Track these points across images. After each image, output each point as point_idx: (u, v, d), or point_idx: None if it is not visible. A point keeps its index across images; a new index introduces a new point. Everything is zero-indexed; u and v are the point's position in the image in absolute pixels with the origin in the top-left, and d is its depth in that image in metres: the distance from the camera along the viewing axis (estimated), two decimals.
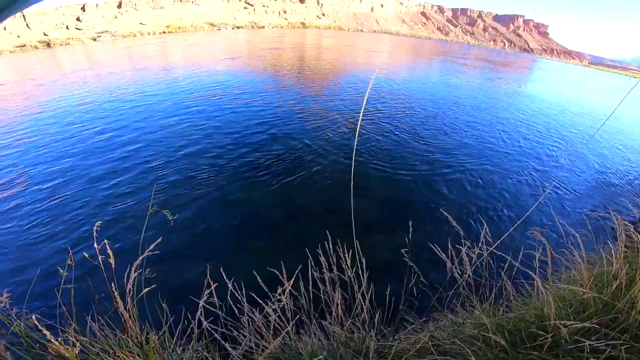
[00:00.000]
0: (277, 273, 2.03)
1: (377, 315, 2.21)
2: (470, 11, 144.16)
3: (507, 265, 2.25)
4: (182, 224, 5.42)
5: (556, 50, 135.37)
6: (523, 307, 2.14)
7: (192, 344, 1.91)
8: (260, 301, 1.96)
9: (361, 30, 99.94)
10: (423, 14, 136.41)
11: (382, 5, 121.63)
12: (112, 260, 1.78)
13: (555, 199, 7.42)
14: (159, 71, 18.41)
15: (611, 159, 11.18)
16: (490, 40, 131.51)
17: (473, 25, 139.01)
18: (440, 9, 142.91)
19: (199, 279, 2.00)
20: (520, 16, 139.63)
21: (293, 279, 2.00)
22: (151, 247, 1.81)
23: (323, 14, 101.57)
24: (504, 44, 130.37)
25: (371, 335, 2.06)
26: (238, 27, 69.00)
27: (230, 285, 1.97)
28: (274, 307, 1.92)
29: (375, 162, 7.96)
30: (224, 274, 1.96)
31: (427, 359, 1.78)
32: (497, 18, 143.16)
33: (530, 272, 2.09)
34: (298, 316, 2.18)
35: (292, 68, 21.60)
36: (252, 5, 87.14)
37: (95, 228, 1.89)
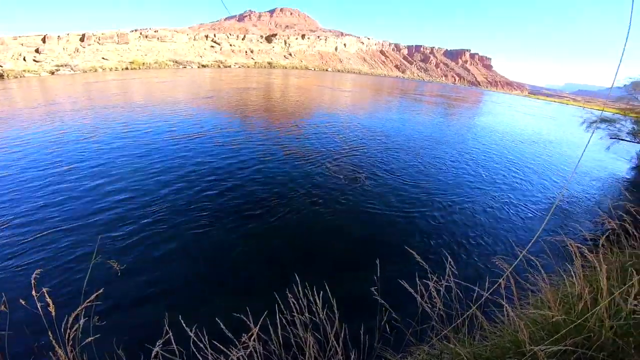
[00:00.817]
0: (244, 318, 1.94)
1: (352, 355, 2.15)
2: (423, 48, 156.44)
3: (475, 294, 2.27)
4: (140, 271, 5.06)
5: (499, 82, 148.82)
6: (497, 334, 2.16)
7: None
8: (224, 349, 1.87)
9: (326, 70, 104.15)
10: (382, 52, 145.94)
11: (345, 45, 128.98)
12: (52, 309, 1.70)
13: (513, 227, 7.74)
14: (119, 111, 17.82)
15: (558, 183, 12.03)
16: (442, 76, 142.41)
17: (426, 62, 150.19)
18: (397, 47, 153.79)
19: (157, 327, 1.91)
20: (467, 50, 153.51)
21: (260, 323, 1.92)
22: (92, 297, 1.74)
23: (290, 54, 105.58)
24: (455, 79, 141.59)
25: None
26: (204, 66, 69.16)
27: (192, 334, 1.85)
28: (239, 354, 1.82)
29: (345, 202, 8.01)
30: (182, 322, 1.86)
31: None
32: (447, 53, 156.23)
33: (498, 300, 2.13)
34: None
35: (262, 108, 21.85)
36: (218, 44, 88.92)
37: (34, 276, 1.82)
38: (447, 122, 24.25)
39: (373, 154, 12.43)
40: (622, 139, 15.09)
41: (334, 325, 2.07)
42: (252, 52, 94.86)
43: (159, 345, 1.70)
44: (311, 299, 2.15)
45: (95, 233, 5.81)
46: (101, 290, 1.79)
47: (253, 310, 2.00)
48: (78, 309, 1.70)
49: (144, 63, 57.28)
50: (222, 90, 30.00)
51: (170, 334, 1.77)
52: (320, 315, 2.09)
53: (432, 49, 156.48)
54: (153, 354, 1.67)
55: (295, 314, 2.12)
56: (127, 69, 51.97)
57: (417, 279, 2.31)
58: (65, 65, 46.25)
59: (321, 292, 2.17)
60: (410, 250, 2.52)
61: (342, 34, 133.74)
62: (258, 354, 1.92)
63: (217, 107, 20.00)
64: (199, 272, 5.23)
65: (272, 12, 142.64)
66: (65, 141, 11.05)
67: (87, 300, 1.73)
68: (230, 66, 75.53)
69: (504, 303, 2.08)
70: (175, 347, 1.76)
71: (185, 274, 5.14)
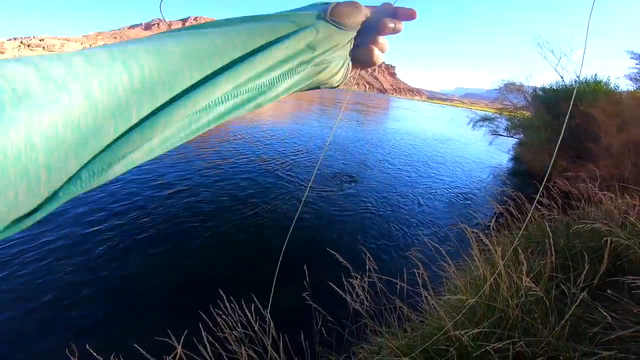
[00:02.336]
0: (168, 340, 1.83)
1: None
2: None
3: (398, 287, 2.40)
4: (40, 299, 4.34)
5: (403, 89, 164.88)
6: (425, 323, 2.29)
7: None
8: None
9: None
10: None
11: None
12: None
13: (421, 220, 8.34)
14: None
15: (456, 176, 13.69)
16: (355, 84, 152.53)
17: None
18: None
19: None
20: None
21: (184, 341, 1.79)
22: None
23: None
24: (365, 87, 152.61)
25: None
26: None
27: None
28: None
29: (264, 212, 7.90)
30: (92, 351, 1.73)
31: None
32: None
33: (418, 289, 2.29)
34: None
35: None
36: None
37: None
38: (365, 129, 25.88)
39: (291, 159, 12.66)
40: (500, 134, 17.63)
41: (269, 337, 2.03)
42: None
43: None
44: (240, 312, 2.09)
45: None
46: None
47: (177, 331, 1.88)
48: None
49: None
50: None
51: None
52: (255, 327, 2.05)
53: None
54: None
55: (227, 329, 2.04)
56: None
57: (343, 279, 2.38)
58: None
59: (252, 305, 2.11)
60: (332, 252, 2.57)
61: None
62: None
63: None
64: (107, 297, 4.68)
65: (184, 20, 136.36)
66: None
67: None
68: None
69: (423, 292, 2.24)
70: None
71: (89, 297, 4.57)
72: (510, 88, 17.22)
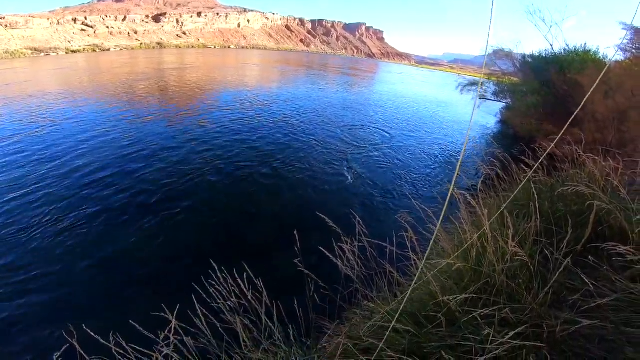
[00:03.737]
0: (163, 315, 1.84)
1: (291, 331, 2.15)
2: (325, 22, 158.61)
3: (387, 251, 2.43)
4: (35, 279, 4.32)
5: (391, 53, 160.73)
6: (414, 288, 2.30)
7: None
8: (146, 351, 1.75)
9: (229, 47, 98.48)
10: (287, 27, 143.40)
11: (248, 21, 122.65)
12: None
13: (411, 183, 8.49)
14: None
15: (444, 137, 13.92)
16: (342, 49, 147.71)
17: (328, 36, 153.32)
18: (302, 22, 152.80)
19: (59, 343, 1.71)
20: (363, 24, 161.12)
21: (179, 314, 1.82)
22: None
23: (184, 33, 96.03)
24: (353, 52, 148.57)
25: (293, 351, 2.01)
26: (74, 51, 58.74)
27: (111, 342, 1.71)
28: (164, 351, 1.74)
29: (256, 179, 7.87)
30: (90, 332, 1.73)
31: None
32: (345, 27, 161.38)
33: (407, 253, 2.29)
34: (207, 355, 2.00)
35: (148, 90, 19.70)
36: (91, 27, 75.86)
37: None
38: (353, 91, 25.60)
39: (283, 126, 12.60)
40: (488, 99, 17.98)
41: (263, 305, 2.05)
42: (136, 33, 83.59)
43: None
44: (232, 282, 2.08)
45: None
46: None
47: (171, 304, 1.89)
48: None
49: None
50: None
51: (77, 345, 1.62)
52: (248, 297, 2.05)
53: (333, 23, 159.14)
54: None
55: (221, 300, 2.04)
56: None
57: (334, 244, 2.38)
58: None
59: (244, 274, 2.11)
60: (322, 216, 2.56)
61: (245, 10, 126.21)
62: (189, 348, 1.84)
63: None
64: (106, 274, 4.70)
65: None
66: None
67: None
68: (109, 49, 65.79)
69: (412, 256, 2.24)
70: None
71: (90, 278, 4.56)
72: (499, 54, 17.23)
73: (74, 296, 4.28)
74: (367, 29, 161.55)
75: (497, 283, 1.80)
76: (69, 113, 12.91)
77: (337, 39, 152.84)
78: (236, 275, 2.12)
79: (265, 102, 17.03)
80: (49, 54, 53.76)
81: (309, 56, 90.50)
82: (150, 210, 6.23)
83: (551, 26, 13.90)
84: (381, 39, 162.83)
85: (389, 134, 13.16)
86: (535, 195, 2.12)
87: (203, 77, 26.90)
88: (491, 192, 3.25)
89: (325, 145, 10.64)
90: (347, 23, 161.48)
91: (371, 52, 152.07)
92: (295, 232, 2.40)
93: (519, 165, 3.22)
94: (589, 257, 1.85)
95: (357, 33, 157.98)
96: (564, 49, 13.47)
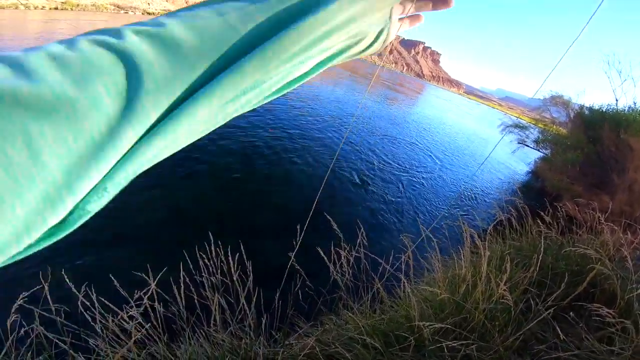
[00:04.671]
0: (144, 276, 1.86)
1: (264, 321, 2.16)
2: None
3: (381, 268, 2.44)
4: None
5: (442, 78, 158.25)
6: (394, 309, 2.33)
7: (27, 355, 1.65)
8: (115, 307, 1.78)
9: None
10: None
11: None
12: None
13: (424, 208, 8.41)
14: None
15: (470, 174, 13.52)
16: (393, 63, 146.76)
17: None
18: None
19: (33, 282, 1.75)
20: (422, 43, 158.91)
21: (159, 279, 1.84)
22: None
23: None
24: (403, 68, 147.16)
25: (260, 341, 2.03)
26: (149, 14, 60.84)
27: (75, 290, 1.75)
28: (132, 312, 1.76)
29: (267, 166, 7.85)
30: (67, 279, 1.74)
31: None
32: (402, 42, 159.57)
33: (399, 275, 2.31)
34: (173, 324, 2.03)
35: None
36: None
37: None
38: (398, 108, 25.61)
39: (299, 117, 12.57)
40: (527, 145, 16.95)
41: (246, 288, 2.07)
42: None
43: (22, 298, 1.58)
44: (223, 259, 2.12)
45: None
46: None
47: (156, 267, 1.92)
48: None
49: (78, 4, 48.61)
50: None
51: (47, 289, 1.66)
52: (234, 277, 2.08)
53: None
54: (13, 308, 1.57)
55: (206, 275, 2.08)
56: (56, 8, 43.79)
57: (332, 247, 2.40)
58: None
59: (237, 254, 2.14)
60: (328, 217, 2.57)
61: None
62: (158, 314, 1.86)
63: None
64: (93, 224, 4.65)
65: None
66: None
67: None
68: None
69: (403, 279, 2.25)
70: (52, 306, 1.66)
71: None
72: (556, 101, 15.83)
73: (60, 241, 4.28)
74: (425, 48, 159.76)
75: (474, 320, 1.84)
76: None
77: (390, 51, 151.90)
78: (229, 252, 2.15)
79: (311, 99, 17.08)
80: (127, 12, 56.67)
81: (357, 62, 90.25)
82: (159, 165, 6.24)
83: (625, 80, 12.72)
84: (436, 62, 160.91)
85: (417, 159, 12.97)
86: (542, 249, 2.11)
87: None
88: (499, 238, 3.22)
89: (359, 154, 10.59)
90: (405, 39, 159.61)
91: (422, 72, 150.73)
92: (298, 227, 2.43)
93: (535, 219, 3.17)
94: (571, 313, 1.86)
95: (412, 50, 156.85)
96: (629, 107, 12.02)
